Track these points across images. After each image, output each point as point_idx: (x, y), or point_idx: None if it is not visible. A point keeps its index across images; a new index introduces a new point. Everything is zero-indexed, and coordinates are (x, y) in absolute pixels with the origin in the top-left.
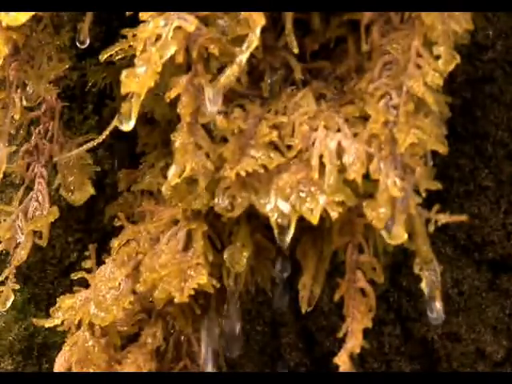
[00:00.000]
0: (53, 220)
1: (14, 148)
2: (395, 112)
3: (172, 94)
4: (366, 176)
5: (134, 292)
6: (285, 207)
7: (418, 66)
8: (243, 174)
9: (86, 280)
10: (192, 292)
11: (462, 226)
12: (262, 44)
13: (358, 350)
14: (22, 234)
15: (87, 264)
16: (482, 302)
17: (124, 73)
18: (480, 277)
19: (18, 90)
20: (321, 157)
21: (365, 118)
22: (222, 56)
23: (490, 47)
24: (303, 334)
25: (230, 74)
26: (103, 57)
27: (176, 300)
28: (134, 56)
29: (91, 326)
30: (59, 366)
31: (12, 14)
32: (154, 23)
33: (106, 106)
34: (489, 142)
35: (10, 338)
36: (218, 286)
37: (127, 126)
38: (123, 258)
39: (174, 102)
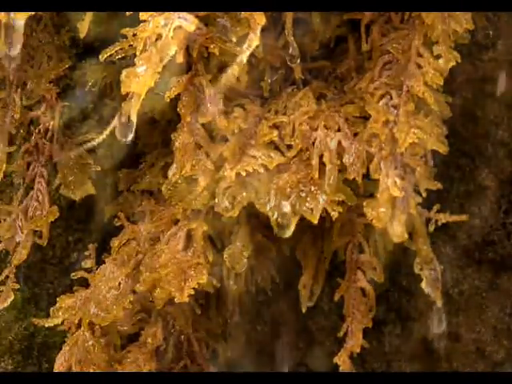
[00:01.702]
0: (52, 219)
1: (14, 148)
2: (395, 112)
3: (172, 93)
4: (367, 176)
5: (134, 292)
6: (285, 207)
7: (419, 66)
8: (243, 173)
9: (86, 280)
10: (192, 292)
11: (462, 225)
12: (262, 43)
13: (358, 350)
14: (22, 233)
15: (87, 264)
16: (483, 301)
17: (124, 72)
18: (480, 276)
19: (18, 90)
20: (321, 156)
21: (365, 118)
22: (222, 55)
23: (490, 47)
24: (303, 333)
25: (231, 73)
26: (103, 56)
27: (176, 300)
28: (134, 55)
29: (91, 325)
30: (59, 365)
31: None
32: (154, 23)
33: (106, 106)
34: (489, 141)
35: (10, 337)
36: (218, 285)
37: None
38: (123, 257)
39: (175, 101)
